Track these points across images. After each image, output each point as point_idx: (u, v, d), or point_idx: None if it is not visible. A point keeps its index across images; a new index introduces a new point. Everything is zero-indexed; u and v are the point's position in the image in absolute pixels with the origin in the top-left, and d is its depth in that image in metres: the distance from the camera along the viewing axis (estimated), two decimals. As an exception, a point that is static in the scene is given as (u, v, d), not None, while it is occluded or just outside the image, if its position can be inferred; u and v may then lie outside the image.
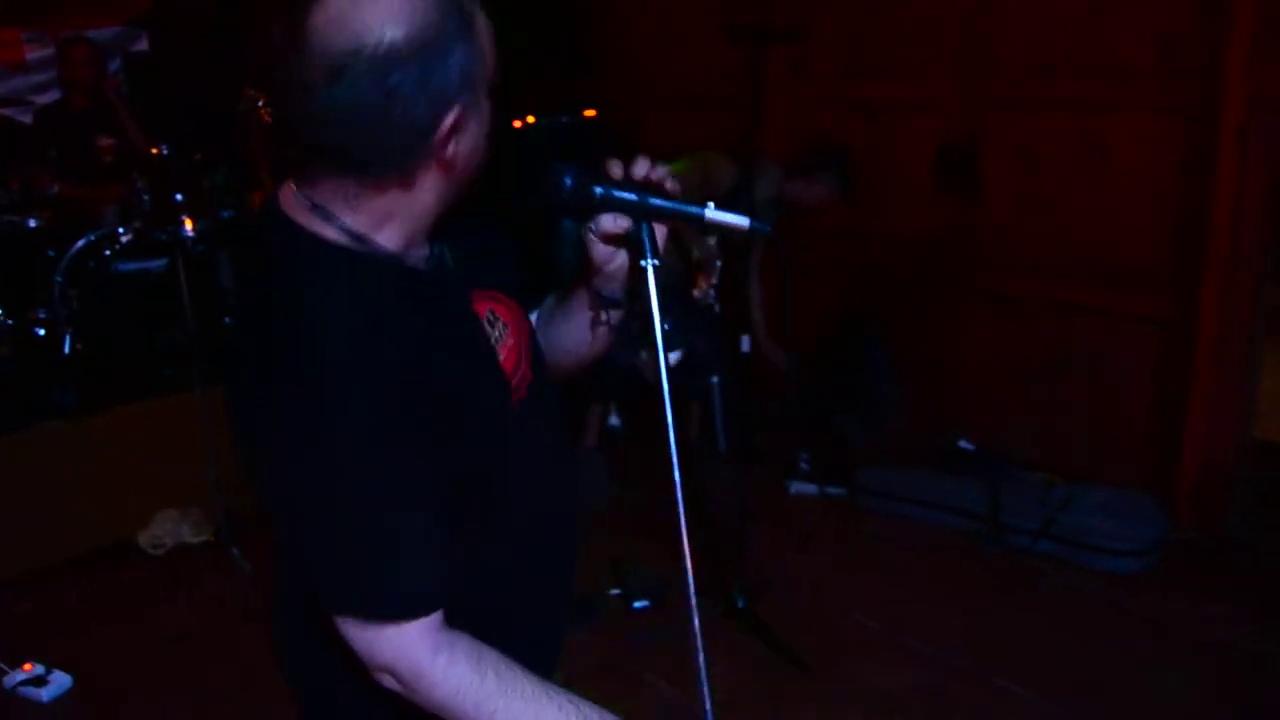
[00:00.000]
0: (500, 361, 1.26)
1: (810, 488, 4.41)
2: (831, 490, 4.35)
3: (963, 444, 4.25)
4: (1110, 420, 4.10)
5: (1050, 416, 4.26)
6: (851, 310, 4.91)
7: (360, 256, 1.15)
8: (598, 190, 1.24)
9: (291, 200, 1.17)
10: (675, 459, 1.24)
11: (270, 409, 1.12)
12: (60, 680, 3.12)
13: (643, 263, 1.26)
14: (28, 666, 3.17)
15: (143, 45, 5.40)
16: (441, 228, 1.23)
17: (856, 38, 4.69)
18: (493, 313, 1.29)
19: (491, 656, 1.18)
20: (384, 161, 1.10)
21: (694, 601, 1.27)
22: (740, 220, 1.25)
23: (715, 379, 4.32)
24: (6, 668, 3.19)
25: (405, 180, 1.12)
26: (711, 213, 1.24)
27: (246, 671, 2.95)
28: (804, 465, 4.47)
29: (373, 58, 1.03)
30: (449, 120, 1.09)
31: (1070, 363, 4.17)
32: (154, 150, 4.22)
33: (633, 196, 1.24)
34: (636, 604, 3.50)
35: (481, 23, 1.12)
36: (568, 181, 1.23)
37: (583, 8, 5.78)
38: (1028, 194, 4.22)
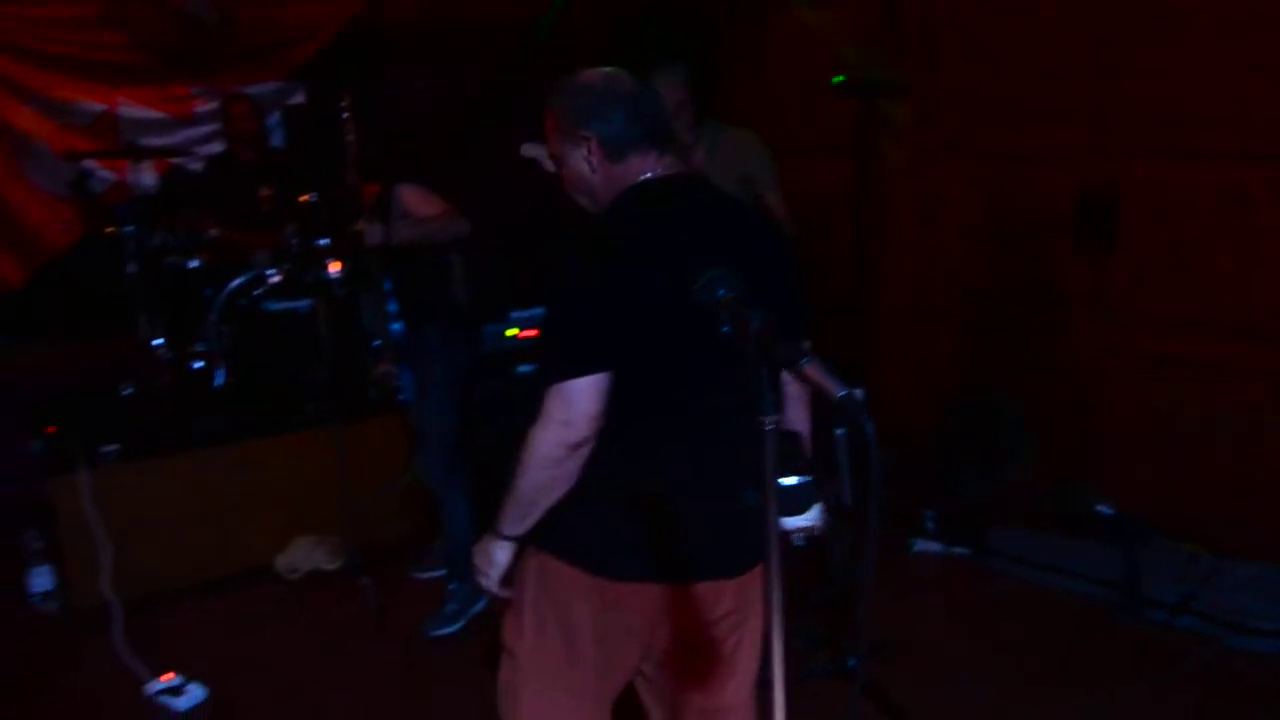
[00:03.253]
0: None
1: (934, 546, 4.29)
2: (957, 550, 4.23)
3: (1100, 508, 4.07)
4: (1260, 488, 3.86)
5: (1193, 482, 4.05)
6: (980, 362, 4.79)
7: None
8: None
9: None
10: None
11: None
12: (195, 693, 3.30)
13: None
14: (167, 676, 3.35)
15: (300, 98, 5.74)
16: None
17: (981, 86, 4.63)
18: None
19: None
20: None
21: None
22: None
23: (840, 431, 4.26)
24: (149, 675, 3.39)
25: None
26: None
27: (367, 694, 3.05)
28: (929, 523, 4.36)
29: None
30: None
31: (1215, 424, 3.96)
32: (303, 198, 4.47)
33: None
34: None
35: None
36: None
37: (706, 64, 5.87)
38: (1167, 245, 4.06)
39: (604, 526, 1.84)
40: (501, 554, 1.91)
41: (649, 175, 1.88)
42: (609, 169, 1.89)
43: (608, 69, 1.93)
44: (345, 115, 3.67)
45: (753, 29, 5.79)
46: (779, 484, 1.21)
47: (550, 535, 1.87)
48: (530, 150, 3.88)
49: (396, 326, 3.79)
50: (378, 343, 3.84)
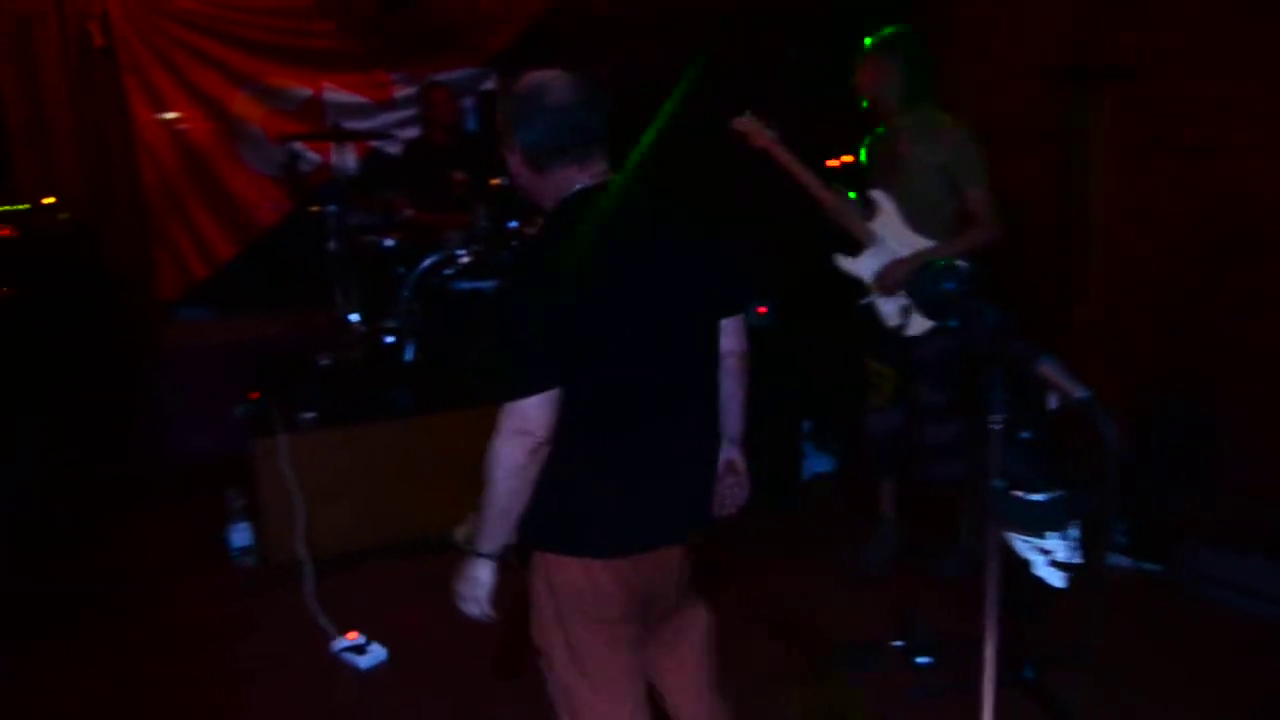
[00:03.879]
0: None
1: (1123, 561, 4.07)
2: (1147, 566, 4.00)
3: (1311, 530, 3.77)
4: None
5: None
6: (1180, 368, 4.49)
7: None
8: None
9: None
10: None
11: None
12: (377, 652, 3.45)
13: None
14: (352, 635, 3.52)
15: (492, 85, 5.90)
16: None
17: (1201, 76, 4.31)
18: None
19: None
20: None
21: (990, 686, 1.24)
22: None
23: (1026, 434, 4.09)
24: (335, 632, 3.57)
25: None
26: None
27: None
28: (1118, 536, 4.13)
29: None
30: None
31: None
32: (494, 182, 4.59)
33: None
34: (919, 659, 3.38)
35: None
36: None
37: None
38: None
39: (609, 514, 1.98)
40: (486, 574, 2.00)
41: (579, 187, 1.95)
42: (534, 177, 1.98)
43: (550, 74, 1.95)
44: None
45: (939, 8, 5.59)
46: (1024, 498, 1.15)
47: (566, 540, 2.00)
48: (744, 124, 3.73)
49: None
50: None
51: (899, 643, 3.45)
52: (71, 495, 4.69)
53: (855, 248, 3.77)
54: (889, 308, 3.71)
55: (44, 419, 4.59)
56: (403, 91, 5.73)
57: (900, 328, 3.68)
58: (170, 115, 5.36)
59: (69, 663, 3.53)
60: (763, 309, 4.61)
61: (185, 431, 5.36)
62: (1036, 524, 1.07)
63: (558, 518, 1.98)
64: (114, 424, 5.11)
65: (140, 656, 3.57)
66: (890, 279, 3.65)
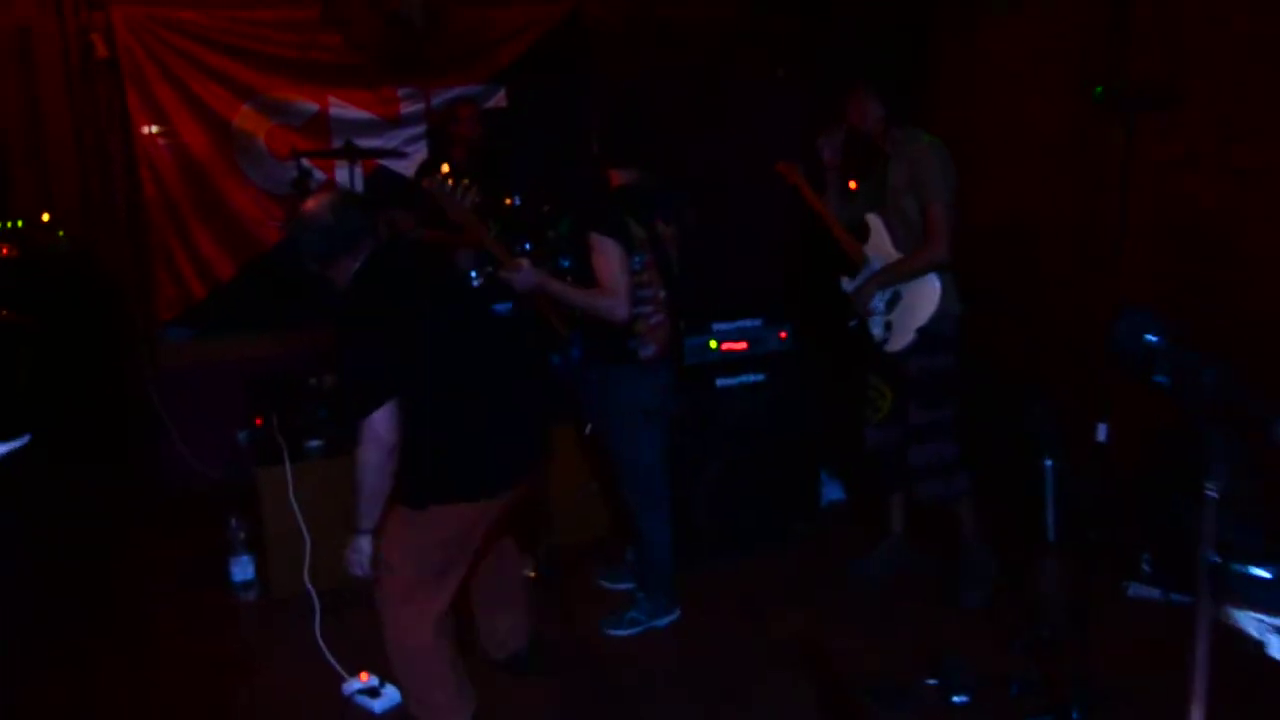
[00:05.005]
0: None
1: (1153, 592, 3.95)
2: (1177, 598, 3.88)
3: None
4: None
5: None
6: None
7: None
8: None
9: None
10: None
11: None
12: (391, 695, 3.29)
13: None
14: (364, 676, 3.37)
15: (500, 101, 5.79)
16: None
17: (1236, 95, 4.22)
18: None
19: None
20: None
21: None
22: None
23: (1049, 463, 3.99)
24: (345, 673, 3.42)
25: None
26: None
27: (561, 688, 2.99)
28: (1145, 566, 4.02)
29: None
30: None
31: None
32: (507, 201, 4.48)
33: None
34: (956, 698, 3.26)
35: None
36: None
37: (905, 71, 5.65)
38: None
39: (467, 470, 2.80)
40: (367, 544, 2.80)
41: (357, 266, 2.82)
42: (326, 269, 2.86)
43: (312, 204, 2.85)
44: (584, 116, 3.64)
45: (963, 32, 5.53)
46: (1248, 572, 1.02)
47: (426, 494, 2.78)
48: (784, 166, 4.03)
49: (575, 351, 3.73)
50: (576, 352, 3.76)
51: (933, 680, 3.34)
52: (69, 519, 4.54)
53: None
54: (876, 325, 3.91)
55: (42, 439, 4.43)
56: (410, 108, 5.60)
57: (883, 343, 3.88)
58: (172, 129, 5.23)
59: (66, 692, 3.41)
60: (783, 334, 4.51)
61: (186, 455, 5.22)
62: (1268, 601, 0.94)
63: (434, 480, 2.79)
64: (113, 446, 4.97)
65: (141, 693, 3.43)
66: (859, 298, 3.90)
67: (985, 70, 5.40)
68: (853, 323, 4.01)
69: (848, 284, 4.00)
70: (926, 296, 3.73)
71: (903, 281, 3.79)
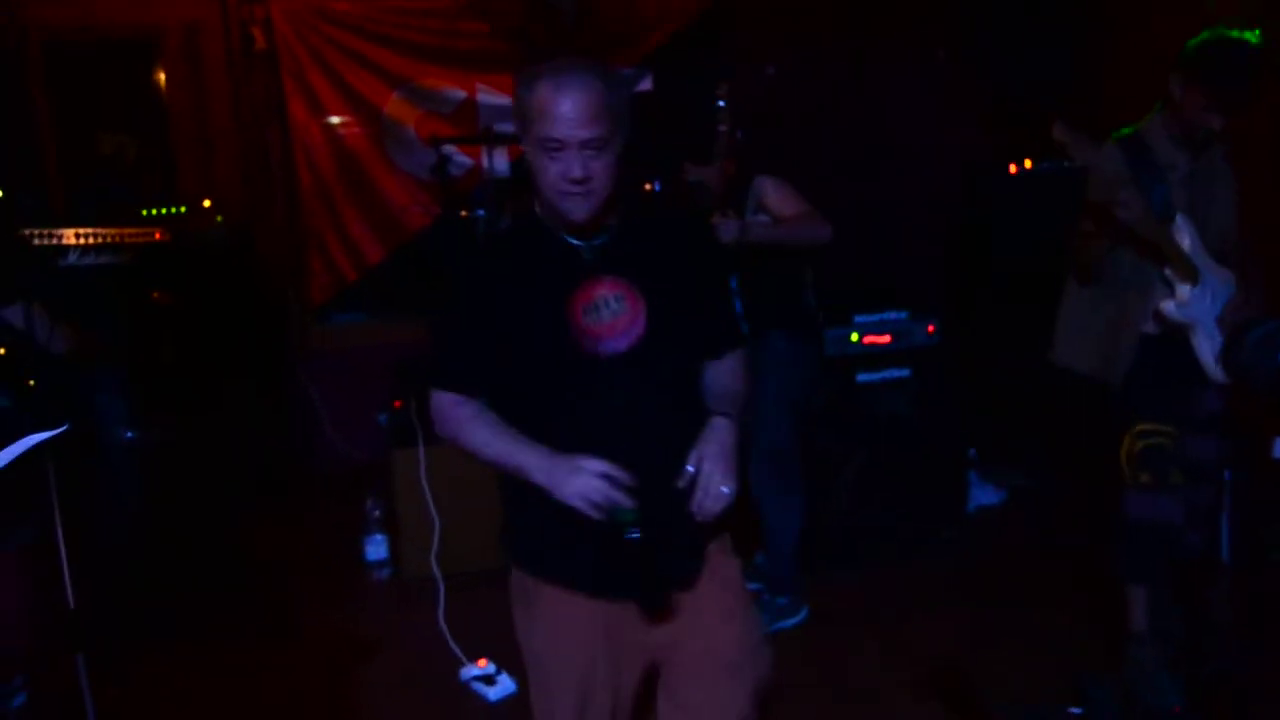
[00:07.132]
0: (568, 313, 1.89)
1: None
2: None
3: None
4: None
5: None
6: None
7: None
8: None
9: None
10: None
11: None
12: (506, 684, 3.28)
13: None
14: (482, 662, 3.37)
15: (648, 85, 5.70)
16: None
17: None
18: (617, 295, 1.92)
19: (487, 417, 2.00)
20: None
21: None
22: None
23: (1226, 475, 3.62)
24: (464, 658, 3.42)
25: None
26: None
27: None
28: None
29: None
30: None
31: None
32: (647, 186, 4.38)
33: None
34: (1102, 732, 2.99)
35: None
36: None
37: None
38: None
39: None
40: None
41: None
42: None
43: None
44: (722, 104, 3.48)
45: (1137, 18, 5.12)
46: None
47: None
48: (1061, 133, 2.79)
49: None
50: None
51: (1076, 709, 3.08)
52: (221, 497, 4.74)
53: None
54: (1207, 350, 3.03)
55: (196, 421, 4.64)
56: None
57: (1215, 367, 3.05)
58: (326, 118, 5.38)
59: (198, 665, 3.53)
60: (931, 327, 4.26)
61: (334, 436, 5.38)
62: None
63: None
64: (268, 426, 5.16)
65: (269, 663, 3.54)
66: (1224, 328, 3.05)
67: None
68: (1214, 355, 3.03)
69: (1173, 308, 3.00)
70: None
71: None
